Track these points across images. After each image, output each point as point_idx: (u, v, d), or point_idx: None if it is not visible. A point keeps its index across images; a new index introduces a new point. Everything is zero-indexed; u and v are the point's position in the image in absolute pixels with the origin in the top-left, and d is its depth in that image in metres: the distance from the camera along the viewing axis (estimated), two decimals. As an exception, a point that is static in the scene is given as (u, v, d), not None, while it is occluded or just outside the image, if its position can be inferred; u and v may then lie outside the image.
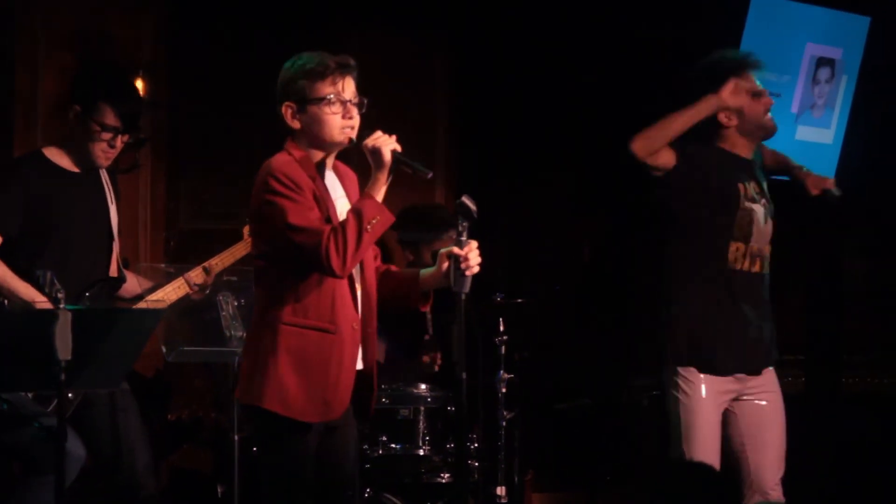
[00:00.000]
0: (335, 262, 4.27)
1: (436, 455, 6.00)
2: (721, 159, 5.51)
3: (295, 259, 4.34)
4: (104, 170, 5.42)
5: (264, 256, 4.44)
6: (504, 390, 5.99)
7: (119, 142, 5.29)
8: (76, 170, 5.34)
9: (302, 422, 4.36)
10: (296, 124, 4.43)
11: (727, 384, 5.43)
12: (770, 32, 7.21)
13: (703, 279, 5.45)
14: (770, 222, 5.54)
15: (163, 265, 5.72)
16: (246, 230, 5.49)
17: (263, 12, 7.45)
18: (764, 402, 5.48)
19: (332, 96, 4.40)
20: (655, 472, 3.92)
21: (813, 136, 7.51)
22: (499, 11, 7.75)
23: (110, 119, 5.25)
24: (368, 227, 4.29)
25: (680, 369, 5.39)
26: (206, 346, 5.88)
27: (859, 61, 7.56)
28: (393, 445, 6.01)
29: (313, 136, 4.43)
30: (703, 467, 4.55)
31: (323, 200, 4.39)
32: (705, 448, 5.36)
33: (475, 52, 7.89)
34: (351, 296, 4.43)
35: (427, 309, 4.70)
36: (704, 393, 5.38)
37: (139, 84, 6.93)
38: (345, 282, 4.41)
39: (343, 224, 4.30)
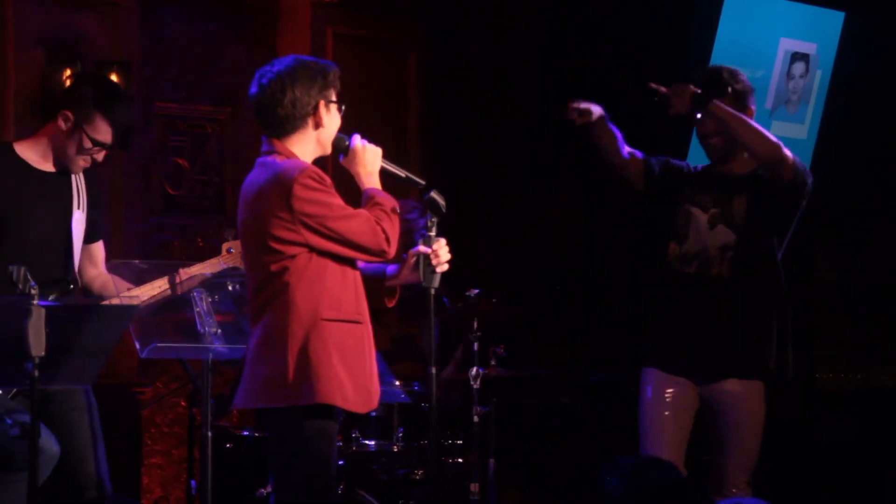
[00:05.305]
0: (392, 242, 4.32)
1: (409, 451, 5.99)
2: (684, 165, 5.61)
3: (334, 252, 4.32)
4: (80, 174, 5.31)
5: (294, 258, 4.34)
6: (478, 386, 5.98)
7: (102, 156, 5.13)
8: (45, 168, 5.15)
9: (341, 415, 4.41)
10: (322, 123, 4.42)
11: (683, 385, 5.46)
12: (744, 27, 7.22)
13: (655, 278, 5.54)
14: (724, 230, 5.52)
15: (136, 261, 5.65)
16: (225, 247, 5.29)
17: (238, 4, 7.44)
18: (731, 407, 5.49)
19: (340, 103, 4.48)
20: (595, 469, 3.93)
21: (787, 131, 7.53)
22: (472, 7, 7.75)
23: (103, 134, 5.04)
24: (394, 212, 4.36)
25: (644, 367, 5.47)
26: (180, 342, 5.85)
27: (834, 56, 7.58)
28: (366, 442, 6.01)
29: (323, 138, 4.45)
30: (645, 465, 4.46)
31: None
32: (656, 446, 5.41)
33: (448, 46, 7.89)
34: (363, 287, 4.47)
35: (393, 305, 4.68)
36: (650, 393, 5.45)
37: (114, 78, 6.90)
38: (358, 273, 4.43)
39: (380, 209, 4.34)
